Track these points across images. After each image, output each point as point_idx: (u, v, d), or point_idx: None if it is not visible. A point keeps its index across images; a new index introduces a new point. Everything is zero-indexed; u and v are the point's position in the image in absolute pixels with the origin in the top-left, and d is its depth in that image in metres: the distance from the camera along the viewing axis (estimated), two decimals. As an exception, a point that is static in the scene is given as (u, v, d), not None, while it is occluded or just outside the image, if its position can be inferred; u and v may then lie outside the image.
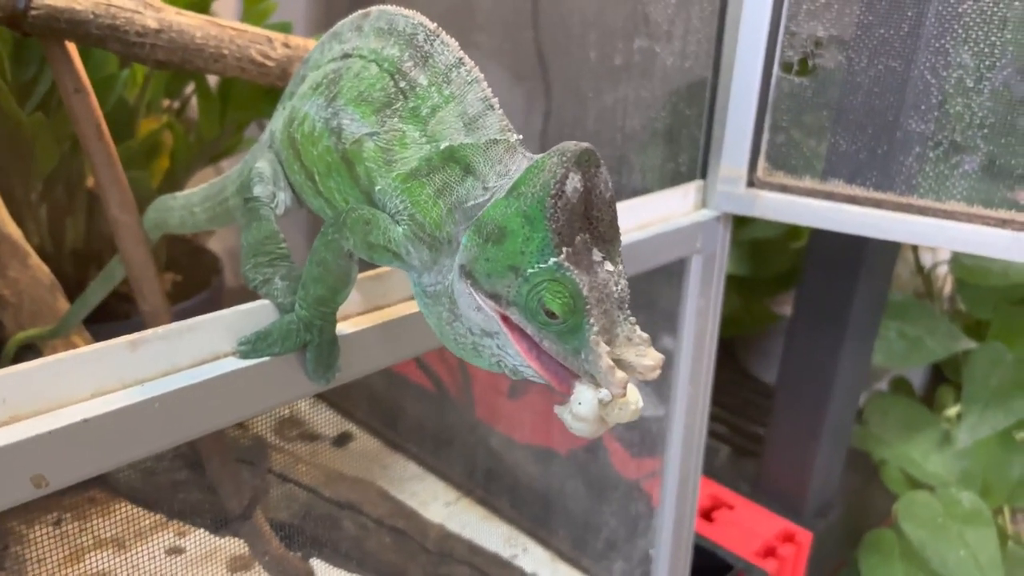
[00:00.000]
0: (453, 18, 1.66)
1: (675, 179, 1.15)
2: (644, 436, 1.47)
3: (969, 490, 1.62)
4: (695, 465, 1.25)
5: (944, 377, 1.98)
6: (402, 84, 0.67)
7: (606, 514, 1.51)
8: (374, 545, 1.12)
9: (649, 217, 1.07)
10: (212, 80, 1.40)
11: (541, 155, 0.58)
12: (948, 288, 1.96)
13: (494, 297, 0.57)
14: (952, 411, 1.86)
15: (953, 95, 0.96)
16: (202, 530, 1.20)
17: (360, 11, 0.72)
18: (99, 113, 0.96)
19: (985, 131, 0.95)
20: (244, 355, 0.67)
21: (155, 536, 1.23)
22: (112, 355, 0.61)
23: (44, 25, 0.87)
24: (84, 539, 1.34)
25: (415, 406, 1.79)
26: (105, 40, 0.90)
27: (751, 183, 1.07)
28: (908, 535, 1.57)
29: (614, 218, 0.58)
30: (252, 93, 1.35)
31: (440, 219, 0.62)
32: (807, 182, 1.05)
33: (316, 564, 1.13)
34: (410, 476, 1.67)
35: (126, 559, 1.30)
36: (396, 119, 0.66)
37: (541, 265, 0.54)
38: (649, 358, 0.54)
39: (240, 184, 0.81)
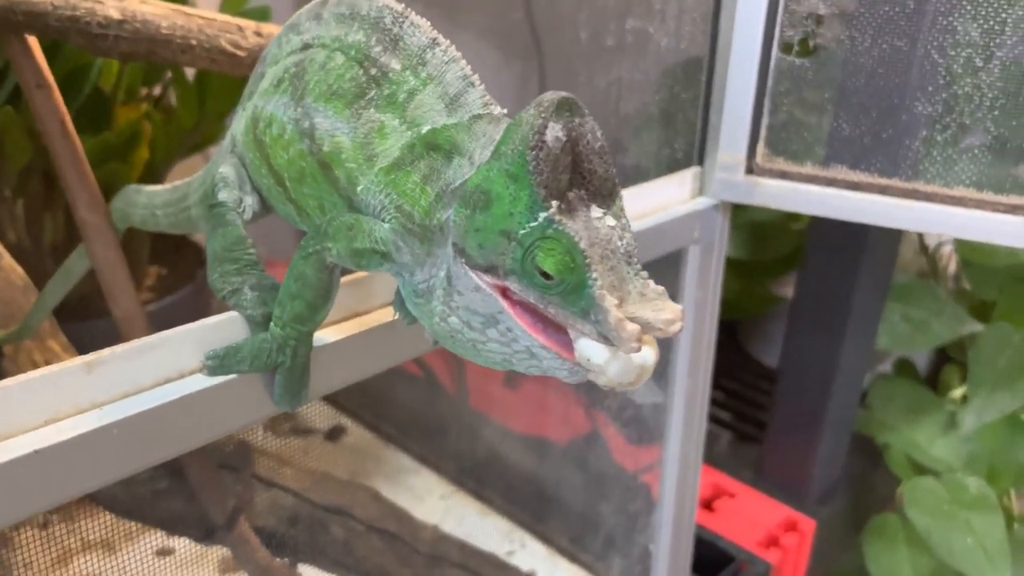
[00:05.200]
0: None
1: (671, 166, 1.11)
2: (645, 425, 1.44)
3: (975, 475, 1.59)
4: (695, 460, 1.22)
5: (949, 357, 1.94)
6: (373, 71, 0.62)
7: (606, 508, 1.48)
8: (364, 549, 1.09)
9: (644, 206, 1.02)
10: (190, 68, 1.35)
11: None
12: (953, 267, 1.91)
13: (491, 270, 0.52)
14: (957, 392, 1.82)
15: (962, 75, 0.91)
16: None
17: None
18: (63, 109, 0.91)
19: (995, 113, 0.90)
20: (212, 371, 0.63)
21: (144, 538, 1.19)
22: (66, 379, 0.57)
23: (1, 18, 0.83)
24: (72, 542, 1.31)
25: (408, 397, 1.76)
26: (66, 33, 0.85)
27: (750, 170, 1.03)
28: (914, 522, 1.54)
29: (609, 170, 0.53)
30: (230, 81, 1.30)
31: (429, 206, 0.57)
32: (808, 168, 1.00)
33: (305, 569, 1.10)
34: (405, 469, 1.64)
35: (115, 562, 1.27)
36: (372, 109, 0.62)
37: (532, 224, 0.50)
38: (667, 311, 0.49)
39: (203, 192, 0.76)
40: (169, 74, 1.50)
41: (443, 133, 0.59)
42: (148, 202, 0.91)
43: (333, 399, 1.82)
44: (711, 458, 1.78)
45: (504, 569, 1.23)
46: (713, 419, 1.94)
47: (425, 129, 0.60)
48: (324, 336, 0.69)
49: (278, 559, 1.04)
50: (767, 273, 1.95)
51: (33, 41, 0.88)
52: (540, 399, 1.73)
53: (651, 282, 0.51)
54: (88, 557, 1.25)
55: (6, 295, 1.09)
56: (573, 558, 1.43)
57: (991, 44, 0.89)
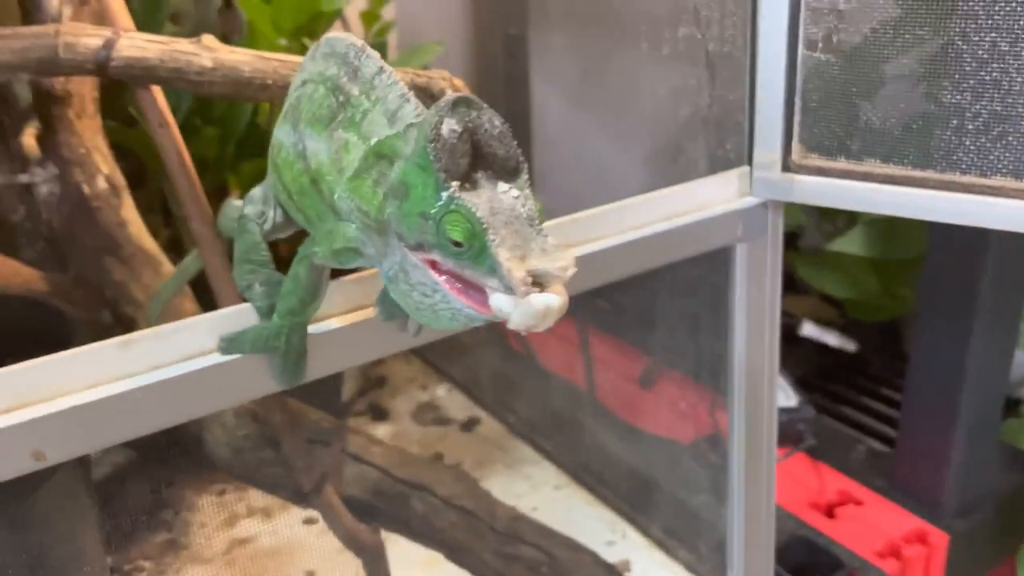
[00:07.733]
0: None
1: (726, 167, 1.13)
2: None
3: None
4: (767, 470, 1.22)
5: None
6: (340, 98, 0.75)
7: (714, 507, 1.50)
8: (442, 523, 1.21)
9: (688, 205, 1.07)
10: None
11: None
12: None
13: (420, 248, 0.63)
14: None
15: (987, 60, 0.87)
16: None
17: (316, 42, 0.81)
18: (182, 144, 1.12)
19: (1027, 97, 0.86)
20: (224, 351, 0.78)
21: (296, 509, 1.40)
22: (105, 354, 0.74)
23: (123, 73, 1.04)
24: (239, 508, 1.55)
25: (539, 392, 1.86)
26: (173, 81, 1.05)
27: (786, 167, 1.03)
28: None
29: (510, 150, 0.62)
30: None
31: (380, 204, 0.68)
32: (843, 163, 0.99)
33: (388, 537, 1.24)
34: (526, 460, 1.75)
35: (270, 525, 1.49)
36: (340, 130, 0.75)
37: (439, 203, 0.60)
38: (562, 260, 0.58)
39: None
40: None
41: (386, 143, 0.70)
42: (232, 215, 1.09)
43: (473, 394, 1.98)
44: (845, 466, 1.72)
45: (577, 550, 1.29)
46: (858, 426, 1.87)
47: (374, 141, 0.71)
48: (330, 324, 0.82)
49: (363, 525, 1.19)
50: (906, 272, 1.85)
51: (156, 88, 1.10)
52: (668, 399, 1.77)
53: (551, 238, 0.60)
54: (249, 521, 1.48)
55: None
56: (671, 552, 1.47)
57: (1015, 26, 0.85)
